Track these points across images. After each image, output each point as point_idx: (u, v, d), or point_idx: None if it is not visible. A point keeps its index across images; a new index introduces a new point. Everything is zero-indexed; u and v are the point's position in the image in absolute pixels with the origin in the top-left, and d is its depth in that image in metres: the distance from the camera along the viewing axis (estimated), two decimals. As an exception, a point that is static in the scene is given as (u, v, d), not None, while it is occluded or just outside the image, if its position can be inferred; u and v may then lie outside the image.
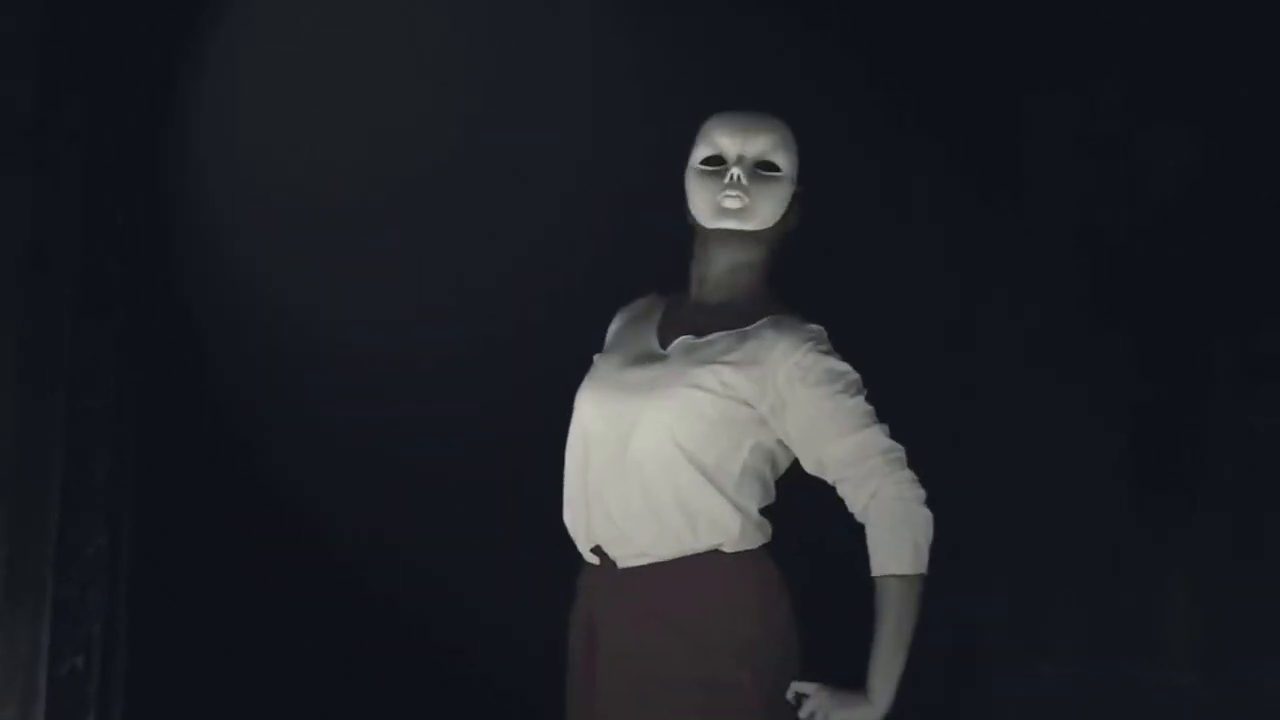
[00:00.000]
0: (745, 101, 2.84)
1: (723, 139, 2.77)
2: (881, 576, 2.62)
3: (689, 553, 2.66)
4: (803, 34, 3.97)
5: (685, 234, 2.82)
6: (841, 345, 2.99)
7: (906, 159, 3.99)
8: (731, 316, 2.74)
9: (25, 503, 3.30)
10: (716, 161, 2.75)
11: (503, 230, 3.99)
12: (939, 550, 3.81)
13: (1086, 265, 3.79)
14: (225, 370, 3.97)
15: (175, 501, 3.80)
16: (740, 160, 2.75)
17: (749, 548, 2.69)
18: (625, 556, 2.67)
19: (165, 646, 3.77)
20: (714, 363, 2.69)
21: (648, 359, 2.74)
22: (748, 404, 2.67)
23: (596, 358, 2.81)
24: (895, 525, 2.62)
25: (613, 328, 2.86)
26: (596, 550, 2.70)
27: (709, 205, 2.74)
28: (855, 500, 2.65)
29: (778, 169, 2.76)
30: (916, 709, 4.03)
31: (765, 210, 2.75)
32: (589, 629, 2.69)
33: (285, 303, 3.96)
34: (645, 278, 2.89)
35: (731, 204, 2.72)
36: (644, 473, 2.66)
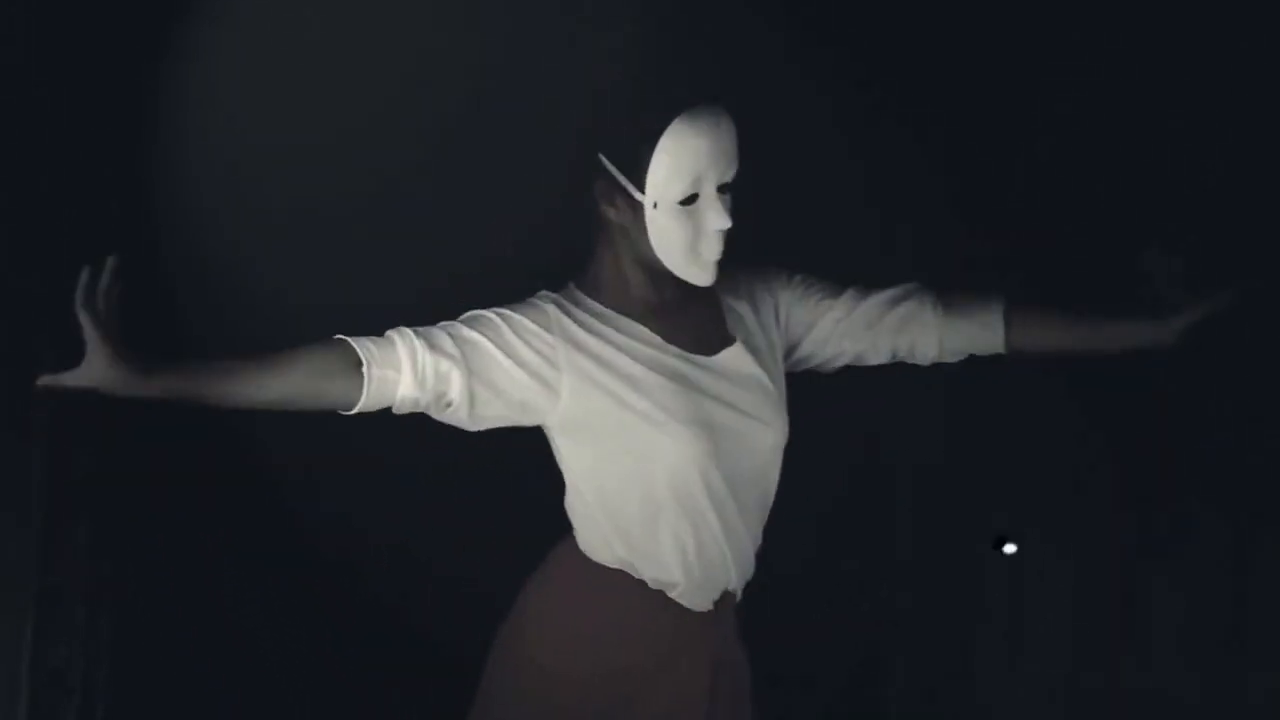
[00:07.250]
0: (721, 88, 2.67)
1: (702, 167, 2.40)
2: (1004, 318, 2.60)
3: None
4: (793, 32, 3.95)
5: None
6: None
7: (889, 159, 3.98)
8: (713, 314, 2.58)
9: (8, 497, 3.31)
10: (693, 199, 2.41)
11: (498, 225, 3.96)
12: (924, 544, 3.82)
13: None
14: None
15: (160, 496, 3.80)
16: (719, 191, 2.42)
17: None
18: (738, 593, 2.57)
19: (150, 642, 3.77)
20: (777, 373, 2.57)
21: (725, 377, 2.50)
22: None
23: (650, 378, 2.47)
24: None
25: (573, 342, 2.57)
26: (724, 596, 2.55)
27: (683, 247, 2.42)
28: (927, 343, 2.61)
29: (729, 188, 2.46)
30: (899, 707, 4.07)
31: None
32: (712, 676, 2.54)
33: (274, 295, 3.94)
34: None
35: (712, 254, 2.42)
36: (766, 505, 2.55)
